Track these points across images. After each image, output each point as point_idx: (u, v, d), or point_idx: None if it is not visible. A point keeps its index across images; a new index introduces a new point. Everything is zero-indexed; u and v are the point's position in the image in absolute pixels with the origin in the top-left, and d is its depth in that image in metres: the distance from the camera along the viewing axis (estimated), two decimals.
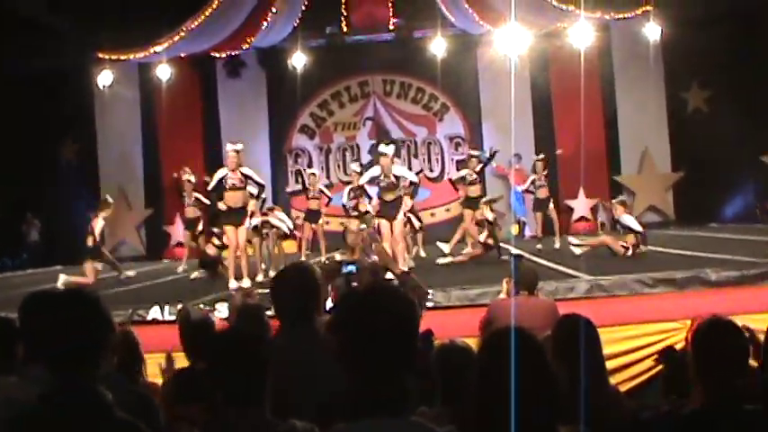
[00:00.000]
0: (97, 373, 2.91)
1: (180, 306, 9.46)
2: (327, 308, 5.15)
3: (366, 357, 2.50)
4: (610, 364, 8.47)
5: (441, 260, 14.99)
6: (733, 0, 19.71)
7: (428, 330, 4.83)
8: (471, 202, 16.54)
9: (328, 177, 23.48)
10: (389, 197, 13.62)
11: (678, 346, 6.91)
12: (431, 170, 23.57)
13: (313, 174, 18.81)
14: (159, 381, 5.32)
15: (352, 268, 6.27)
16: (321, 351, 3.73)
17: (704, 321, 3.77)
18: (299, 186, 23.28)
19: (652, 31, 20.55)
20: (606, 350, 8.63)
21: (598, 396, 4.00)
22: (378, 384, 2.49)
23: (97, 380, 2.89)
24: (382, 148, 14.53)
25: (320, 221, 17.94)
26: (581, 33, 20.43)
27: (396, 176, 13.62)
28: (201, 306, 10.51)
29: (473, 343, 4.15)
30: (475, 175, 16.82)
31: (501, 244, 15.13)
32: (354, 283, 5.94)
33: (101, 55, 21.13)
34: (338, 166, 23.41)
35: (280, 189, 23.55)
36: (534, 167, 18.02)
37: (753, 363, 4.39)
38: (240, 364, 3.34)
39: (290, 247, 17.95)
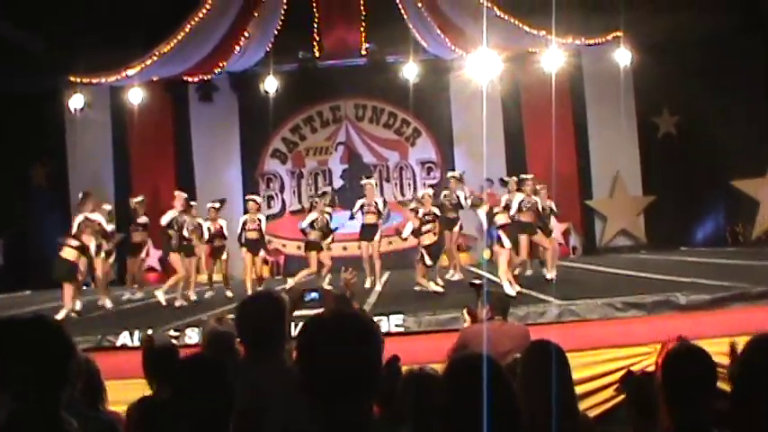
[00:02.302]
0: (60, 400, 2.86)
1: (150, 332, 9.42)
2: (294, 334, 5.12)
3: (328, 385, 2.48)
4: (581, 389, 8.51)
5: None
6: (701, 27, 19.86)
7: (394, 356, 4.80)
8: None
9: (300, 202, 23.43)
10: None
11: (649, 369, 6.92)
12: (402, 194, 23.56)
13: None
14: (122, 409, 5.26)
15: (314, 296, 6.25)
16: (285, 379, 3.70)
17: (673, 347, 3.80)
18: (272, 211, 23.27)
19: (622, 56, 20.72)
20: (577, 375, 8.66)
21: (567, 422, 3.98)
22: (341, 413, 2.46)
23: (61, 407, 2.85)
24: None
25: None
26: (552, 59, 20.59)
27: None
28: (172, 332, 10.44)
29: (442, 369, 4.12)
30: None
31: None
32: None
33: (72, 78, 21.01)
34: (310, 191, 23.38)
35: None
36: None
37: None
38: (206, 392, 3.30)
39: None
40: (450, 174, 16.12)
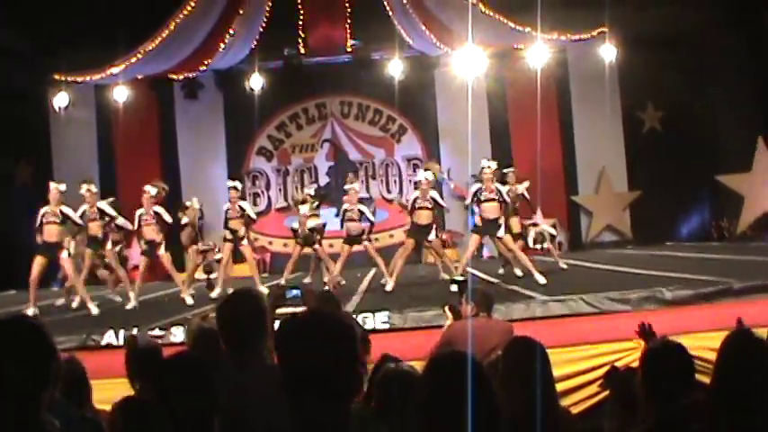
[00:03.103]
0: (42, 401, 2.85)
1: (135, 331, 9.41)
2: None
3: (303, 383, 2.48)
4: (566, 385, 8.55)
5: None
6: (685, 22, 19.92)
7: (385, 355, 4.81)
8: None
9: (286, 199, 23.41)
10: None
11: (634, 365, 6.94)
12: (388, 191, 23.57)
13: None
14: (107, 408, 5.24)
15: (296, 293, 6.25)
16: (268, 377, 3.70)
17: (652, 343, 3.86)
18: (258, 208, 23.27)
19: (607, 52, 20.78)
20: (563, 370, 8.72)
21: (548, 418, 4.00)
22: (317, 410, 2.47)
23: (42, 408, 2.84)
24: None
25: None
26: (538, 55, 20.65)
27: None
28: (157, 330, 10.43)
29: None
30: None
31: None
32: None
33: (57, 76, 20.92)
34: (296, 188, 23.29)
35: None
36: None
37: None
38: (190, 392, 3.29)
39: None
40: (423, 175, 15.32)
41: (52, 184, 14.72)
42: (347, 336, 2.55)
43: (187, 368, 3.46)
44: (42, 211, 14.40)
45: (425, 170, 15.91)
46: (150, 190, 15.32)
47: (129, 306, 14.28)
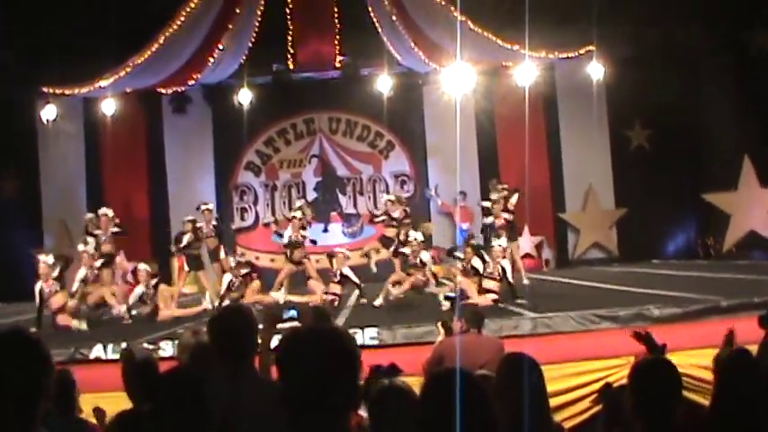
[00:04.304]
0: (38, 414, 2.86)
1: (124, 345, 9.39)
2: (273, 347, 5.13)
3: (304, 398, 2.50)
4: (555, 401, 8.56)
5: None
6: (672, 41, 20.06)
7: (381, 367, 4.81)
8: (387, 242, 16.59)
9: (273, 214, 23.39)
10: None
11: (623, 382, 6.97)
12: (376, 207, 23.56)
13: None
14: (93, 420, 5.25)
15: (293, 313, 6.27)
16: (261, 391, 3.72)
17: (640, 360, 3.91)
18: (246, 223, 23.27)
19: (595, 70, 20.89)
20: (551, 387, 8.70)
21: None
22: (317, 425, 2.49)
23: (37, 420, 2.84)
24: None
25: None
26: (526, 72, 20.74)
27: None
28: (146, 345, 10.41)
29: (417, 382, 4.14)
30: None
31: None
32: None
33: (45, 89, 20.90)
34: (284, 204, 23.31)
35: (225, 226, 23.36)
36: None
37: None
38: (186, 406, 3.30)
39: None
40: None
41: (41, 257, 14.58)
42: (349, 351, 2.57)
43: (184, 383, 3.46)
44: (37, 288, 14.01)
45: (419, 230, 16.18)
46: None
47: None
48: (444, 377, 2.89)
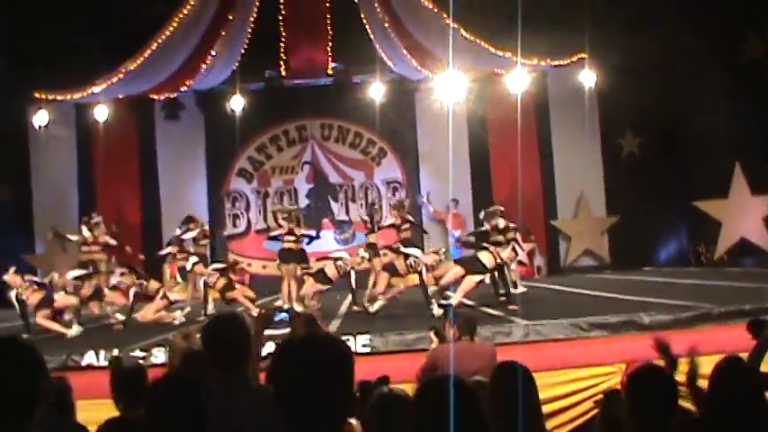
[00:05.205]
0: (35, 419, 2.86)
1: (116, 352, 9.38)
2: (263, 354, 5.14)
3: (299, 403, 2.51)
4: (547, 408, 8.57)
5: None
6: (664, 49, 20.11)
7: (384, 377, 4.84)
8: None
9: (266, 221, 23.37)
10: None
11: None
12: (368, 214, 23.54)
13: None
14: (92, 428, 5.24)
15: (284, 316, 6.28)
16: (257, 397, 3.73)
17: (635, 367, 3.92)
18: (238, 230, 23.26)
19: (587, 77, 20.97)
20: (543, 394, 8.70)
21: None
22: (317, 429, 2.50)
23: (36, 425, 2.85)
24: None
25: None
26: (518, 80, 20.78)
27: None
28: (138, 351, 10.40)
29: (410, 389, 4.16)
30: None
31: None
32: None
33: (37, 95, 20.89)
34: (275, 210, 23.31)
35: (217, 232, 23.37)
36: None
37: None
38: (179, 413, 3.30)
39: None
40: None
41: (5, 277, 14.63)
42: (344, 357, 2.58)
43: (176, 389, 3.47)
44: (12, 296, 14.20)
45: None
46: None
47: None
48: (437, 384, 2.90)
